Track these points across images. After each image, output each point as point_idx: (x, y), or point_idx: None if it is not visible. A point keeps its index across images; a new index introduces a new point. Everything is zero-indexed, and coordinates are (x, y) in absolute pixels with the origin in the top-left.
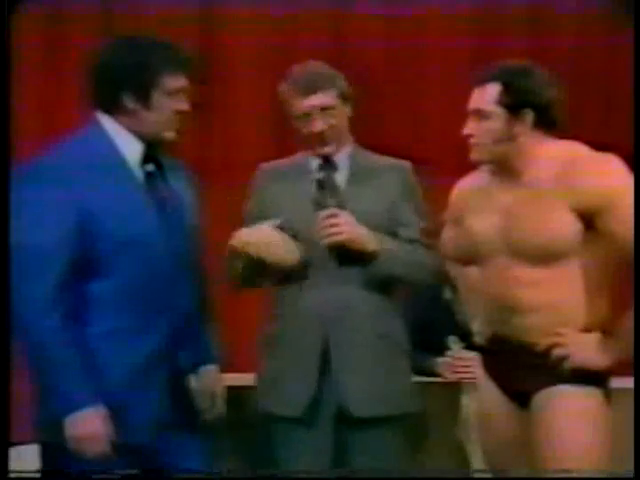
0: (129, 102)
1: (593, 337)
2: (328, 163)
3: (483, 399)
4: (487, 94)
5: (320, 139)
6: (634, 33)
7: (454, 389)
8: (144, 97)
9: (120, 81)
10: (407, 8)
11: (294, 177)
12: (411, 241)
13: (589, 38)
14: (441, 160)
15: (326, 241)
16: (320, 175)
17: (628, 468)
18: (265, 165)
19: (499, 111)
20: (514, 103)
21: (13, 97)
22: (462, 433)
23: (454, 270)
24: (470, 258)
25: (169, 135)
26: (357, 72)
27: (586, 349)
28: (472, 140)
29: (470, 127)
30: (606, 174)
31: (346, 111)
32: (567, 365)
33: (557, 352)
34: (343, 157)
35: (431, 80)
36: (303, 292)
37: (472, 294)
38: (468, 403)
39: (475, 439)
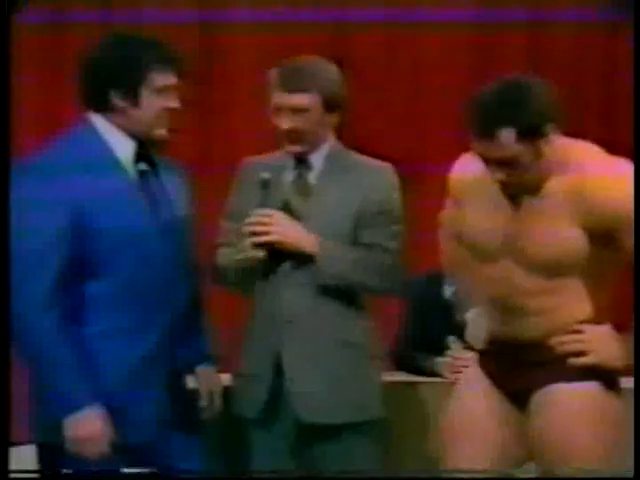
0: (118, 100)
1: (613, 333)
2: (302, 162)
3: (474, 399)
4: (504, 142)
5: (286, 137)
6: (634, 33)
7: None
8: (132, 95)
9: (108, 79)
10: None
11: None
12: (371, 245)
13: (589, 39)
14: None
15: (253, 240)
16: (266, 175)
17: (628, 468)
18: (249, 160)
19: (524, 148)
20: (535, 132)
21: (13, 97)
22: None
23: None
24: (473, 253)
25: (159, 133)
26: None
27: (610, 345)
28: (506, 180)
29: (500, 174)
30: (620, 189)
31: (327, 117)
32: (585, 361)
33: (576, 347)
34: (319, 156)
35: (431, 84)
36: (264, 291)
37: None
38: None
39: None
